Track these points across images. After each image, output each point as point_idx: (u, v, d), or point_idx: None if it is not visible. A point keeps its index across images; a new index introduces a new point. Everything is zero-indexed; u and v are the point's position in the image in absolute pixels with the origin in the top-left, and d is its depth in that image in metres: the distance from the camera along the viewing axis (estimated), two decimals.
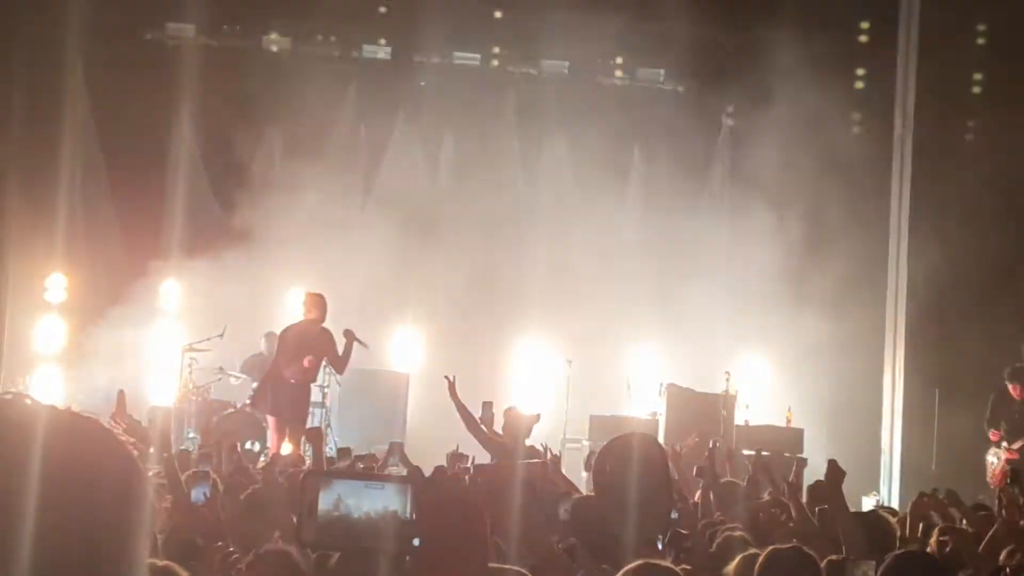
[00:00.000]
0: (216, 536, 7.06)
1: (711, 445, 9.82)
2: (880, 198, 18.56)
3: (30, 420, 1.73)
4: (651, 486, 6.11)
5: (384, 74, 19.26)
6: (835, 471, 7.18)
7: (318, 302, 15.19)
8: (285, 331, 15.30)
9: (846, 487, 7.03)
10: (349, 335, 15.04)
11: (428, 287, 18.18)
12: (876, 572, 5.50)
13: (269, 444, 15.01)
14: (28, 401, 1.77)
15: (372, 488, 3.60)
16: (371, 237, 18.06)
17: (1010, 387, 15.04)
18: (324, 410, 16.88)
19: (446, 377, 12.68)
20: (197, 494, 8.41)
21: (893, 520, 7.91)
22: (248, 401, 15.70)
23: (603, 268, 18.36)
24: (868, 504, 14.22)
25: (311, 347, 15.00)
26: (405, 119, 19.39)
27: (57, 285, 17.58)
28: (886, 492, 17.59)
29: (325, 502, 3.57)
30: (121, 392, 7.04)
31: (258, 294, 17.44)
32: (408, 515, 3.49)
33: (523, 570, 4.39)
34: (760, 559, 5.41)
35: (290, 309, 16.27)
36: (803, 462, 12.58)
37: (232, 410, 16.06)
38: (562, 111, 19.10)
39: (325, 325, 15.16)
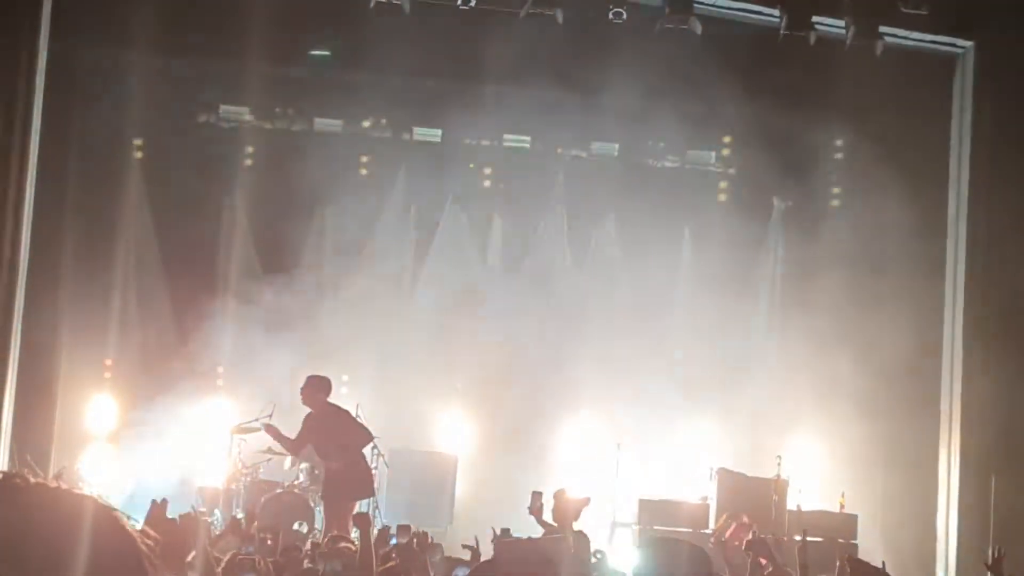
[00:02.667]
0: None
1: (751, 536, 9.73)
2: (936, 285, 18.36)
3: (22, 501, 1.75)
4: None
5: (434, 156, 19.36)
6: None
7: (318, 384, 15.04)
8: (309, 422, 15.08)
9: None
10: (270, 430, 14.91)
11: (476, 369, 18.16)
12: None
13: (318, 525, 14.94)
14: (18, 481, 1.78)
15: None
16: (420, 318, 18.10)
17: None
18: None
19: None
20: None
21: None
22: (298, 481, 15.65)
23: (653, 350, 18.30)
24: None
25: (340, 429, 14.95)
26: (454, 200, 19.46)
27: (109, 367, 17.71)
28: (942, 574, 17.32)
29: None
30: (156, 505, 6.85)
31: (303, 374, 17.43)
32: None
33: None
34: None
35: (336, 393, 16.22)
36: (851, 548, 12.44)
37: (280, 491, 16.03)
38: (611, 192, 19.11)
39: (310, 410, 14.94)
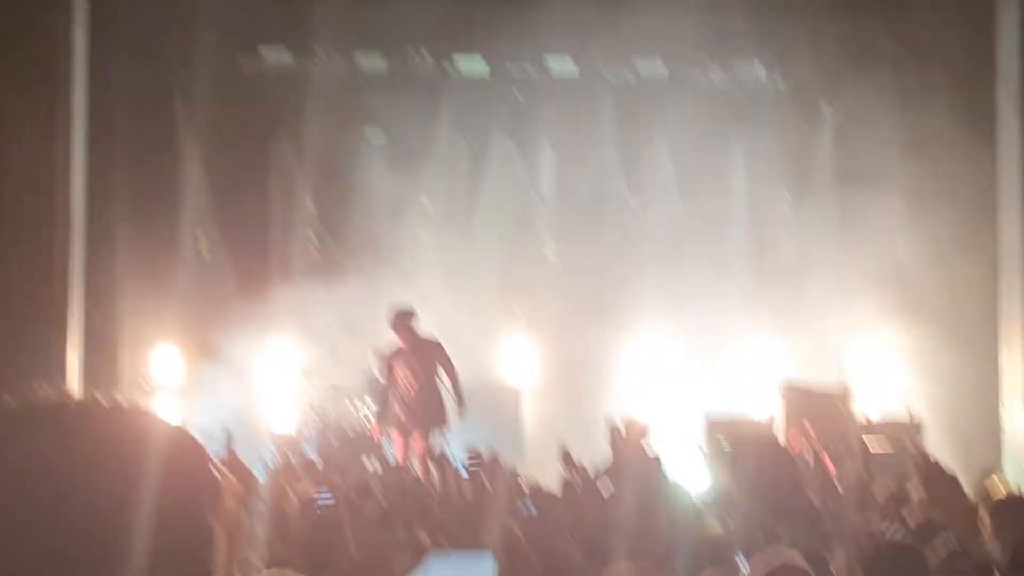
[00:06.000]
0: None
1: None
2: (987, 171, 18.22)
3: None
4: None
5: (479, 87, 19.28)
6: None
7: (406, 318, 15.25)
8: (389, 360, 15.40)
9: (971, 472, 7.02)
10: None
11: (535, 299, 18.22)
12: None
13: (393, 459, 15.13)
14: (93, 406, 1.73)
15: None
16: (476, 250, 18.14)
17: None
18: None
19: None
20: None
21: None
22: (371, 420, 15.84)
23: (712, 267, 18.31)
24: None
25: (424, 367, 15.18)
26: (502, 131, 19.39)
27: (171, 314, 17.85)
28: (1011, 473, 17.31)
29: None
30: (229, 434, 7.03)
31: (366, 310, 17.54)
32: None
33: None
34: (871, 549, 5.43)
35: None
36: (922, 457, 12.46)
37: (352, 434, 16.18)
38: (660, 113, 18.98)
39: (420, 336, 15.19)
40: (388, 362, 15.37)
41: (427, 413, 14.99)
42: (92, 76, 16.70)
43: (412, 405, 14.98)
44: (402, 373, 15.13)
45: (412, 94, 18.61)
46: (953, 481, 10.31)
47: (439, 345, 15.36)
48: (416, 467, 14.49)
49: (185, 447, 1.73)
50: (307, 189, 18.92)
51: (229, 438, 12.85)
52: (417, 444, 14.97)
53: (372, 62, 19.46)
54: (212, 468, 1.75)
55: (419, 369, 15.13)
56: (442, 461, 13.93)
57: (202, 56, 17.81)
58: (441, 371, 15.29)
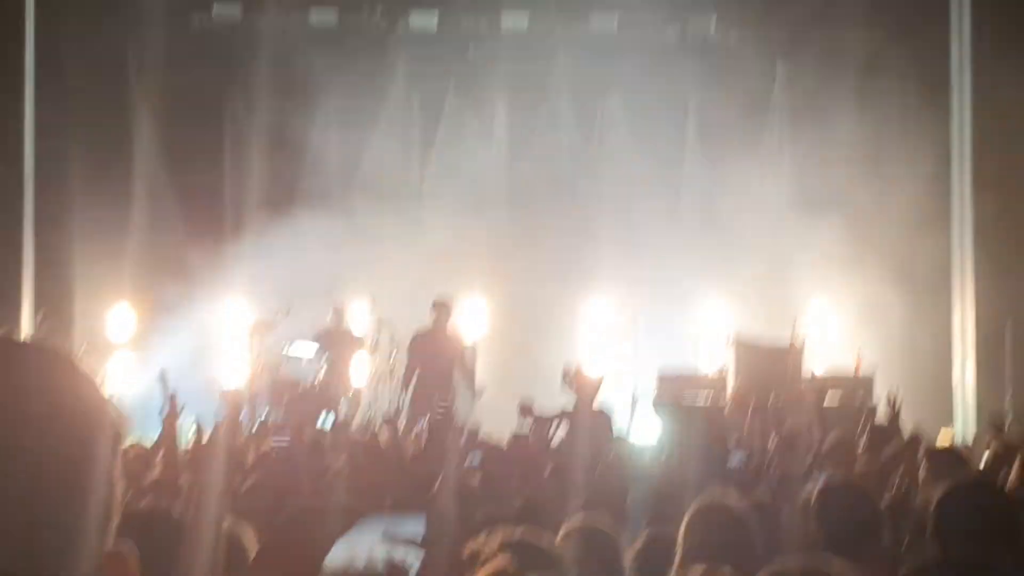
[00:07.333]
0: None
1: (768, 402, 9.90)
2: (941, 128, 18.33)
3: None
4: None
5: (432, 44, 19.23)
6: None
7: (445, 309, 15.65)
8: (416, 341, 15.76)
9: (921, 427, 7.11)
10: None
11: (489, 255, 18.23)
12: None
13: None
14: None
15: None
16: (429, 208, 18.14)
17: None
18: (393, 382, 17.06)
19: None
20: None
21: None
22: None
23: (665, 224, 18.37)
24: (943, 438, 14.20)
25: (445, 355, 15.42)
26: (456, 88, 19.36)
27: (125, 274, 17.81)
28: (960, 428, 17.49)
29: None
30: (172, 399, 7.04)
31: (319, 267, 17.53)
32: None
33: None
34: (814, 493, 5.49)
35: (350, 280, 16.53)
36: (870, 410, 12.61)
37: (303, 388, 16.21)
38: (613, 69, 18.97)
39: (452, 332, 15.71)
40: (416, 343, 15.78)
41: (433, 398, 15.25)
42: (41, 38, 16.58)
43: (427, 387, 15.33)
44: (424, 356, 15.47)
45: (364, 50, 18.56)
46: (897, 432, 10.39)
47: (464, 345, 15.90)
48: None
49: (81, 392, 1.62)
50: (259, 147, 18.83)
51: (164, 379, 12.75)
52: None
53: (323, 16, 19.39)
54: (107, 409, 1.63)
55: (441, 358, 15.37)
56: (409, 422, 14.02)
57: (152, 13, 17.70)
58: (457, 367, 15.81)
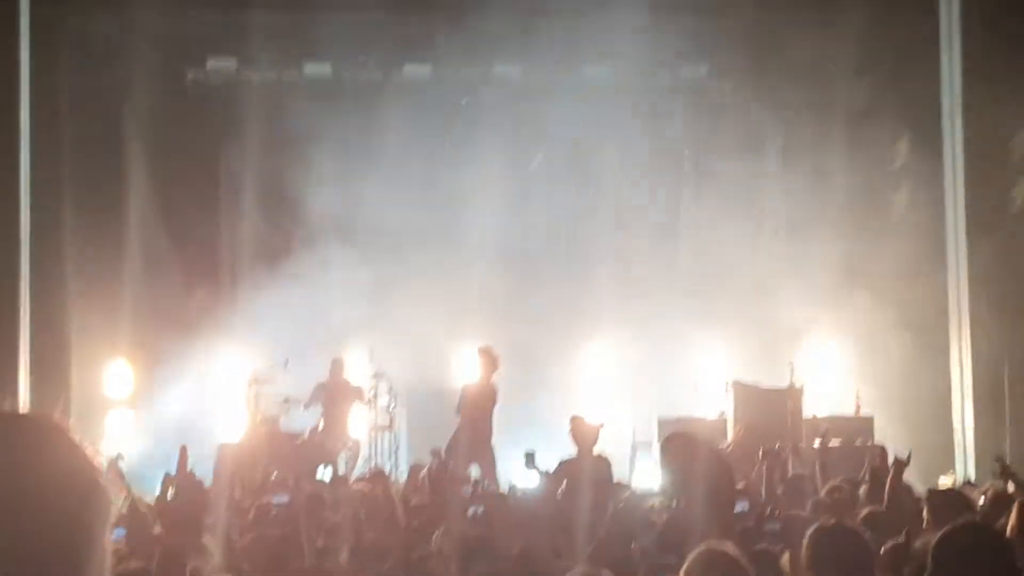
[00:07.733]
0: None
1: (775, 448, 9.83)
2: (935, 174, 18.38)
3: None
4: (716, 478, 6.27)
5: (427, 95, 19.28)
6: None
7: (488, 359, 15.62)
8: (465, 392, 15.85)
9: (923, 469, 7.07)
10: None
11: (487, 304, 18.21)
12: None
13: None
14: None
15: None
16: (427, 259, 18.13)
17: None
18: (392, 433, 17.02)
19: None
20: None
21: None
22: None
23: (662, 270, 18.41)
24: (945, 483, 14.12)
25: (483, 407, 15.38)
26: (452, 138, 19.38)
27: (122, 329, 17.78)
28: (962, 471, 17.42)
29: None
30: (183, 448, 7.06)
31: (317, 319, 17.52)
32: None
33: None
34: (809, 536, 5.46)
35: (348, 332, 16.48)
36: (883, 451, 12.54)
37: (301, 440, 16.15)
38: (606, 116, 19.02)
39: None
40: (466, 391, 15.81)
41: (474, 444, 15.22)
42: (37, 93, 16.61)
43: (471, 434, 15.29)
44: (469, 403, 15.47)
45: (358, 102, 18.60)
46: (900, 474, 10.34)
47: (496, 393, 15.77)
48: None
49: (73, 464, 1.69)
50: (255, 200, 18.85)
51: (183, 456, 12.74)
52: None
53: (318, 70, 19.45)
54: (98, 478, 1.71)
55: (482, 407, 15.41)
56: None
57: (147, 67, 17.75)
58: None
